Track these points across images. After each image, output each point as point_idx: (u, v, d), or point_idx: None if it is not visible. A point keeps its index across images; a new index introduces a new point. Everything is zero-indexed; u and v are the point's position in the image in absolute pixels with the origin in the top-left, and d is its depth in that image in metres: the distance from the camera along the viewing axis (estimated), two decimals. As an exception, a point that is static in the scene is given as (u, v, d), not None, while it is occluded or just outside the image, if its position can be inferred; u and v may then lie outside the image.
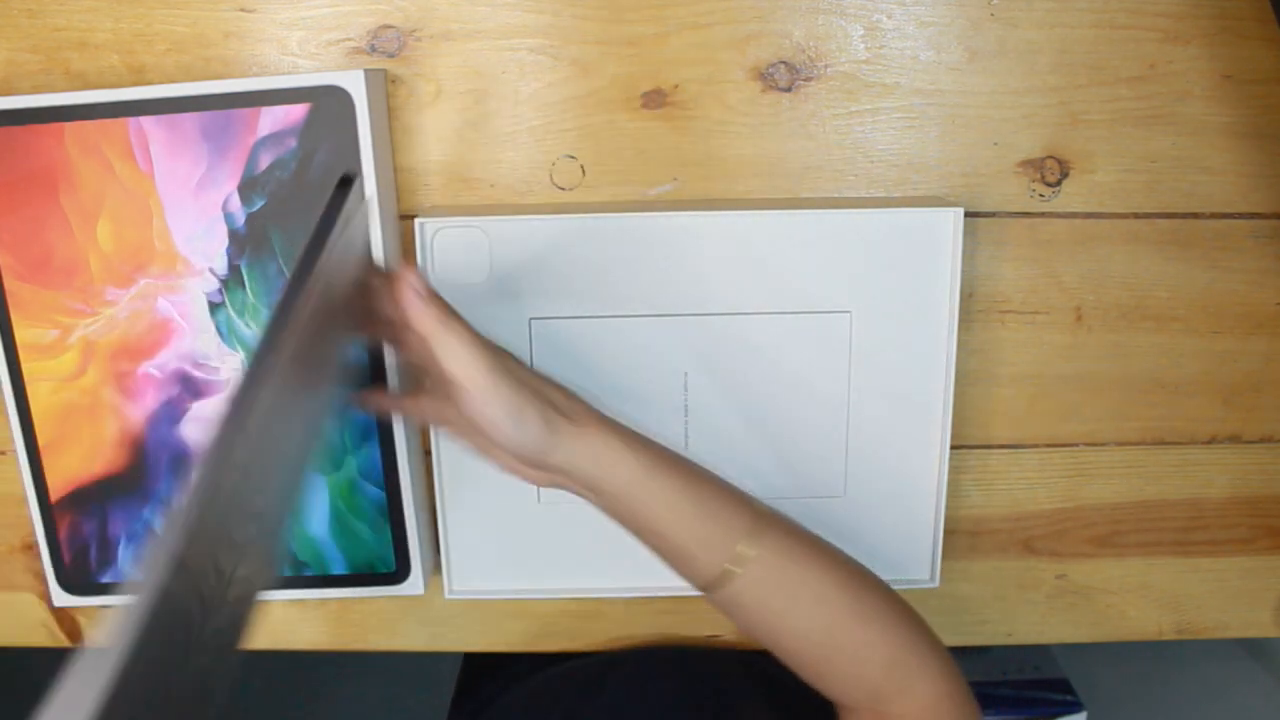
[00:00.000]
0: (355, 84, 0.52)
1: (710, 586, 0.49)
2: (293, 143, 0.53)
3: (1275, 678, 1.23)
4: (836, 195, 0.58)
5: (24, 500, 0.60)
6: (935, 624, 0.51)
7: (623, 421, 0.50)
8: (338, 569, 0.60)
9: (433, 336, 0.44)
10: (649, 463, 0.48)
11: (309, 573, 0.60)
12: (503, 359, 0.47)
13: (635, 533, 0.50)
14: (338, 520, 0.59)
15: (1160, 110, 0.56)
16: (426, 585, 0.61)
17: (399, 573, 0.61)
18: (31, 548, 0.65)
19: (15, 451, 0.59)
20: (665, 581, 0.62)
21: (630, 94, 0.56)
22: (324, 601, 0.65)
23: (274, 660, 0.71)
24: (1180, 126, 0.57)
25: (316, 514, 0.59)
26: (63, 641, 0.67)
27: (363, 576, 0.61)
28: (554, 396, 0.48)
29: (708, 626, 0.66)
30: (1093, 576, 0.66)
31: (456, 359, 0.44)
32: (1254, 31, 0.55)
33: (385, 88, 0.55)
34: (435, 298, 0.45)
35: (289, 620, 0.66)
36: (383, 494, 0.59)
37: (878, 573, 0.53)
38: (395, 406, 0.56)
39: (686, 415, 0.58)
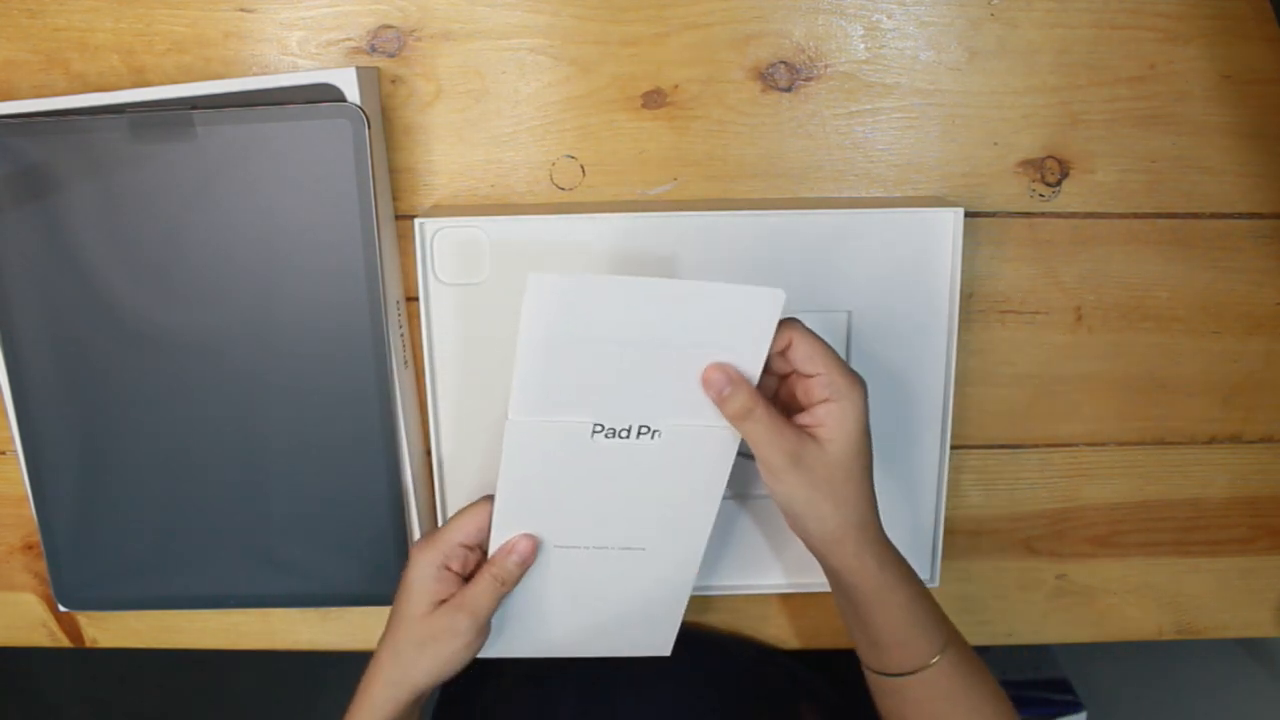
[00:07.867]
0: (348, 82, 0.52)
1: (883, 672, 0.53)
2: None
3: (1275, 678, 1.23)
4: (836, 195, 0.58)
5: (24, 500, 0.60)
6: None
7: None
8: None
9: (737, 426, 0.47)
10: (892, 579, 0.51)
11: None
12: (805, 450, 0.48)
13: (842, 612, 0.54)
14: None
15: (1160, 110, 0.56)
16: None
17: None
18: (32, 548, 0.65)
19: (15, 451, 0.59)
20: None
21: (630, 94, 0.56)
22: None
23: (274, 660, 0.71)
24: (1180, 126, 0.57)
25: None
26: (63, 641, 0.67)
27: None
28: (841, 501, 0.49)
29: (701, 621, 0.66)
30: (1093, 576, 0.66)
31: (756, 447, 0.47)
32: (1254, 31, 0.55)
33: (379, 85, 0.55)
34: (740, 386, 0.46)
35: (289, 620, 0.66)
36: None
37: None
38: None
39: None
